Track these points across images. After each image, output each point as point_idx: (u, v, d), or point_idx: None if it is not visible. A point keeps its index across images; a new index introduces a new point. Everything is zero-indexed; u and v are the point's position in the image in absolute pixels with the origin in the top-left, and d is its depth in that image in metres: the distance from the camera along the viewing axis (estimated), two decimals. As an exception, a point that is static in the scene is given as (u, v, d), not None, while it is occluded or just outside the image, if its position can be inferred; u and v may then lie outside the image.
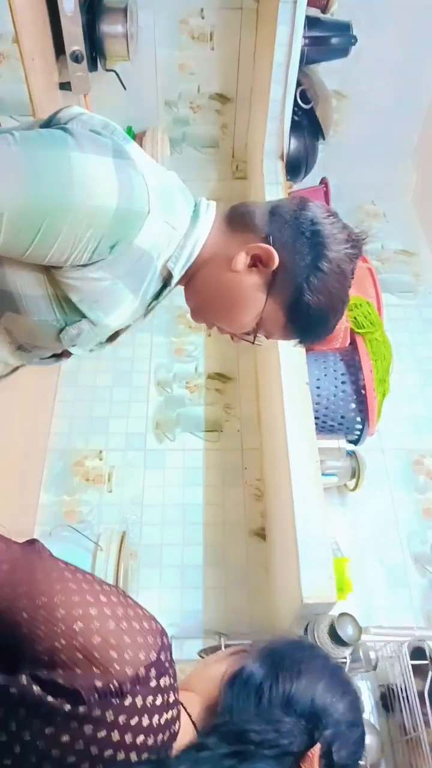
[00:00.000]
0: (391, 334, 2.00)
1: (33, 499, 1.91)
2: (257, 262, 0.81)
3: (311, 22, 2.11)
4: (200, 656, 1.57)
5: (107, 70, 2.17)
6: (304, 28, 2.01)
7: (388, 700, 1.62)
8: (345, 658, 1.42)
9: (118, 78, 2.20)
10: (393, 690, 1.58)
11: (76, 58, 1.95)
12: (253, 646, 0.74)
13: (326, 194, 2.46)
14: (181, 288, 0.89)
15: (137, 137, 2.55)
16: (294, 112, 2.26)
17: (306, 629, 1.42)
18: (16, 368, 0.93)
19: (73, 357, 0.91)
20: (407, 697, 1.47)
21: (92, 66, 2.04)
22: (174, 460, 2.05)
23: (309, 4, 2.00)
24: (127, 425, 2.11)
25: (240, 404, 2.20)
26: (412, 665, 1.50)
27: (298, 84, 2.20)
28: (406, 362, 2.30)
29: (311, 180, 2.58)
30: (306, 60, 2.16)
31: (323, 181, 2.49)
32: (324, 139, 2.46)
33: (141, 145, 2.49)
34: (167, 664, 0.59)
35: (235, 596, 1.78)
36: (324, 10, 2.13)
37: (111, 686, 0.54)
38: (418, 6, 2.32)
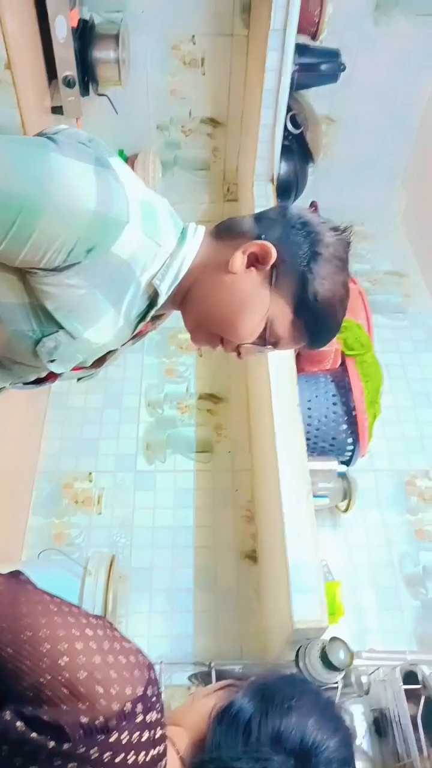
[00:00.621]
0: (382, 354, 2.01)
1: (22, 521, 1.89)
2: (254, 261, 0.80)
3: (301, 49, 2.15)
4: (190, 681, 1.55)
5: (99, 95, 2.19)
6: (294, 54, 2.05)
7: (381, 725, 1.60)
8: (336, 683, 1.40)
9: (110, 102, 2.22)
10: (386, 715, 1.56)
11: (68, 83, 1.97)
12: (244, 680, 0.72)
13: (316, 216, 2.48)
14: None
15: (129, 160, 2.58)
16: (284, 137, 2.29)
17: (297, 654, 1.41)
18: None
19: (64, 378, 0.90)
20: (400, 722, 1.45)
21: (84, 91, 2.07)
22: (164, 481, 2.03)
23: (299, 32, 2.04)
24: (117, 447, 2.10)
25: (231, 425, 2.20)
26: (405, 690, 1.48)
27: (289, 109, 2.24)
28: (396, 383, 2.31)
29: (301, 203, 2.61)
30: (296, 86, 2.19)
31: (313, 204, 2.53)
32: (314, 162, 2.49)
33: (133, 168, 2.52)
34: (154, 699, 0.58)
35: (225, 620, 1.76)
36: (314, 38, 2.17)
37: (97, 722, 0.53)
38: (404, 34, 2.37)
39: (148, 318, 0.84)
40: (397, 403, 2.26)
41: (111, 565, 1.53)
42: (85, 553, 1.80)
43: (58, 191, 0.67)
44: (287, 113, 2.23)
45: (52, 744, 0.52)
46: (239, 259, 0.79)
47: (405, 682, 1.51)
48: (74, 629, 0.57)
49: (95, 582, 1.45)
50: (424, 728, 1.46)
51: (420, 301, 2.65)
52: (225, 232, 0.84)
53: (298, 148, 2.40)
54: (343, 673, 1.40)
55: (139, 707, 0.56)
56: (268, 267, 0.80)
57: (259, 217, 0.83)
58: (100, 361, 0.89)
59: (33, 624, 0.56)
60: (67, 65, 1.93)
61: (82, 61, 1.99)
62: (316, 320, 0.82)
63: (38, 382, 0.90)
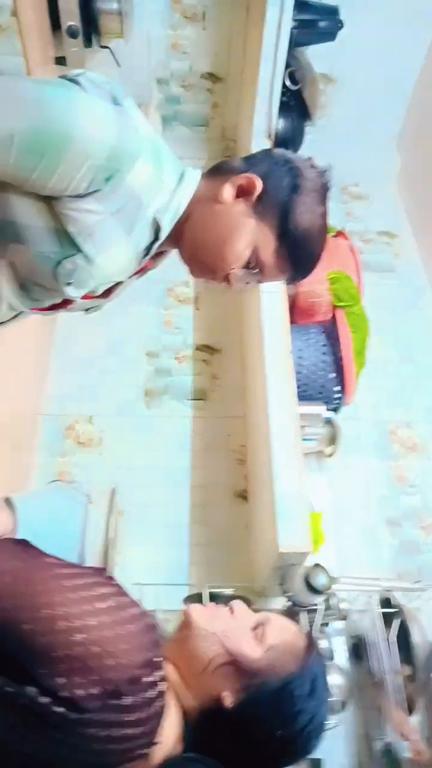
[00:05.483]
0: (371, 310, 2.09)
1: (28, 459, 1.99)
2: (242, 193, 0.90)
3: (300, 6, 2.17)
4: (185, 604, 1.68)
5: (102, 47, 2.21)
6: (294, 10, 2.08)
7: (358, 650, 1.74)
8: (317, 605, 1.53)
9: (112, 55, 2.25)
10: (363, 640, 1.70)
11: (72, 33, 2.00)
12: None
13: (312, 174, 2.53)
14: (171, 260, 0.96)
15: (129, 114, 2.60)
16: (282, 93, 2.33)
17: (282, 580, 1.53)
18: (16, 315, 1.00)
19: (68, 323, 0.97)
20: (376, 643, 1.59)
21: (87, 42, 2.09)
22: (161, 426, 2.14)
23: (299, -12, 2.07)
24: (117, 392, 2.19)
25: (226, 375, 2.29)
26: (381, 614, 1.61)
27: (287, 65, 2.27)
28: (383, 338, 2.41)
29: (298, 160, 2.64)
30: (294, 43, 2.22)
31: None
32: (311, 120, 2.53)
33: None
34: (156, 659, 0.65)
35: (217, 552, 1.88)
36: (313, -6, 2.20)
37: (107, 693, 0.60)
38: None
39: (153, 252, 0.93)
40: (384, 357, 2.36)
41: (112, 497, 1.64)
42: (87, 490, 1.91)
43: (81, 127, 0.76)
44: (286, 69, 2.26)
45: (73, 715, 0.58)
46: (228, 190, 0.89)
47: (382, 608, 1.65)
48: (87, 605, 0.63)
49: (97, 510, 1.56)
50: (396, 650, 1.60)
51: (409, 261, 2.73)
52: (217, 171, 0.94)
53: (296, 104, 2.44)
54: (323, 597, 1.53)
55: (146, 671, 0.63)
56: (255, 198, 0.89)
57: (247, 157, 0.93)
58: (108, 292, 0.98)
59: (49, 602, 0.62)
60: (70, 15, 1.96)
61: (85, 12, 2.02)
62: (297, 247, 0.91)
63: (53, 308, 0.99)
